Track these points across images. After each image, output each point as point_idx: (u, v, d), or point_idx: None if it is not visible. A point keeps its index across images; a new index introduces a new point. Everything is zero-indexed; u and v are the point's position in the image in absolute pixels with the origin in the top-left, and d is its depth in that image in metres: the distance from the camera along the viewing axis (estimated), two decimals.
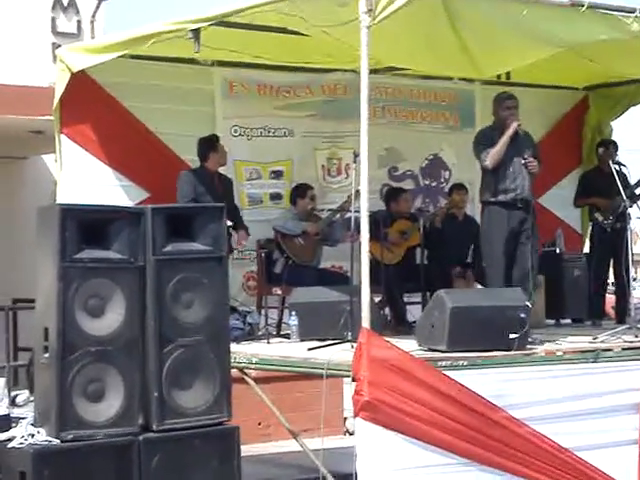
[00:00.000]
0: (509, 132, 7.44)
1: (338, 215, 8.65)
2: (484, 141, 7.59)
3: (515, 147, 7.51)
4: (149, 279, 5.18)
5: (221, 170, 8.53)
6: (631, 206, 8.39)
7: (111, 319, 5.09)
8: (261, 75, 9.01)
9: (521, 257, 7.45)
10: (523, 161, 7.47)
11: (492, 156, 7.45)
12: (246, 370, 7.35)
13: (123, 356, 5.10)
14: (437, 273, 8.45)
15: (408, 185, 9.68)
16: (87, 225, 5.09)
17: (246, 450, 6.20)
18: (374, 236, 6.97)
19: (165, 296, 5.21)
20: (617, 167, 8.40)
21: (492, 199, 7.52)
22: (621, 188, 7.99)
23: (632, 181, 8.78)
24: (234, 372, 6.43)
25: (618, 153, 9.09)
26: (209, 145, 8.31)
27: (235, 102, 8.96)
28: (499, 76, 9.03)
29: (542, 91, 9.73)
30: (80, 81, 7.95)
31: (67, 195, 8.02)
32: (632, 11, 6.66)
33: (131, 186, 8.40)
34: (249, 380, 7.51)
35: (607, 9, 6.69)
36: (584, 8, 6.53)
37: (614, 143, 9.40)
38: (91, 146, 8.27)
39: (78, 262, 5.02)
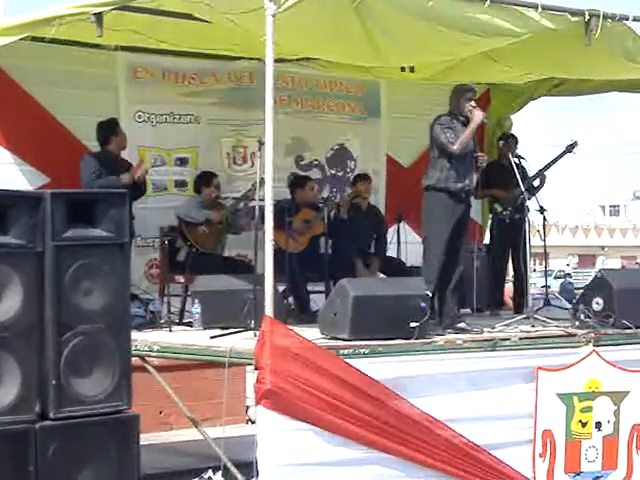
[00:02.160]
0: (477, 120, 7.40)
1: (242, 203, 8.63)
2: (448, 126, 7.45)
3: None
4: (48, 265, 5.09)
5: (125, 156, 8.43)
6: (529, 198, 8.57)
7: (8, 305, 4.98)
8: (166, 61, 8.93)
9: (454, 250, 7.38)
10: (476, 154, 7.49)
11: (462, 142, 7.35)
12: (148, 358, 7.29)
13: (20, 343, 5.00)
14: (341, 262, 8.50)
15: (315, 174, 9.72)
16: None
17: (146, 439, 6.16)
18: (278, 225, 6.99)
19: (64, 282, 5.12)
20: (517, 160, 8.57)
21: (441, 185, 7.38)
22: (520, 180, 8.15)
23: (531, 174, 8.98)
24: (135, 360, 6.37)
25: (518, 146, 9.27)
26: (110, 129, 8.22)
27: (139, 87, 8.87)
28: (403, 69, 9.11)
29: (444, 84, 9.85)
30: None
31: None
32: (535, 6, 6.79)
33: (31, 170, 8.27)
34: (150, 368, 7.44)
35: (510, 3, 6.80)
36: (487, 2, 6.64)
37: (514, 137, 9.58)
38: None
39: None
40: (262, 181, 6.35)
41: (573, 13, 6.97)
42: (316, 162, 9.84)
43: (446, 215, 7.35)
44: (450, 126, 7.45)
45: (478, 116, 7.42)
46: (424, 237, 7.63)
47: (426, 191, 7.48)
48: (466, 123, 7.44)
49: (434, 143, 7.53)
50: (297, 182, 9.08)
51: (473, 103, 7.51)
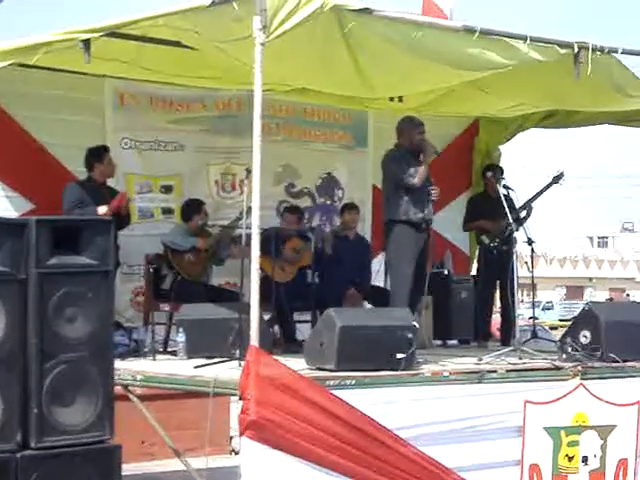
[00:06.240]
0: (432, 155, 7.99)
1: (229, 231, 8.58)
2: (402, 160, 7.98)
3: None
4: (31, 292, 5.04)
5: (111, 183, 8.39)
6: (517, 229, 8.57)
7: None
8: (153, 88, 8.91)
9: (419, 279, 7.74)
10: (429, 188, 7.95)
11: (420, 175, 7.90)
12: (131, 387, 7.21)
13: (2, 371, 4.94)
14: (328, 292, 8.46)
15: (305, 202, 9.73)
16: None
17: (129, 469, 6.09)
18: (266, 253, 6.94)
19: (48, 310, 5.07)
20: (505, 191, 8.56)
21: (403, 218, 7.88)
22: (508, 212, 8.14)
23: (518, 205, 8.96)
24: (118, 389, 6.31)
25: (505, 177, 9.24)
26: (94, 156, 8.20)
27: (126, 114, 8.85)
28: (392, 99, 9.12)
29: (433, 115, 9.86)
30: None
31: None
32: (523, 38, 6.80)
33: (16, 197, 8.24)
34: (133, 398, 7.37)
35: (499, 35, 6.81)
36: (476, 34, 6.64)
37: (500, 168, 9.58)
38: None
39: None
40: (249, 209, 6.31)
41: (562, 45, 6.98)
42: (306, 190, 9.83)
43: (410, 244, 7.83)
44: (404, 160, 7.93)
45: (430, 151, 7.97)
46: (389, 265, 8.01)
47: (388, 225, 7.94)
48: (416, 154, 7.96)
49: (389, 178, 8.01)
50: (291, 212, 9.05)
51: (423, 136, 8.05)
